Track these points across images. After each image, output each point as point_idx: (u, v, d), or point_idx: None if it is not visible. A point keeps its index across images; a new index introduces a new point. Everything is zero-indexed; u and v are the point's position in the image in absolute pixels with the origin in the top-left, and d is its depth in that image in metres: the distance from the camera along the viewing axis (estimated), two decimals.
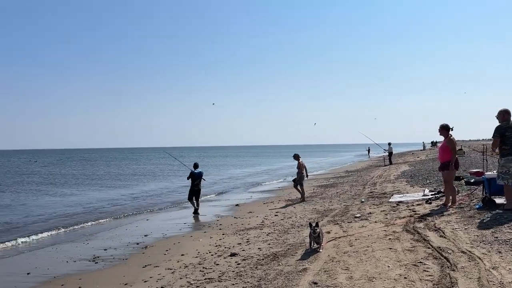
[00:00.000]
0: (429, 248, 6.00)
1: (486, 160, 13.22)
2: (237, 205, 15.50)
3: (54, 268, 7.83)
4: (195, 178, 14.18)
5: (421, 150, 67.90)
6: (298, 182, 14.82)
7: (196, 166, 14.56)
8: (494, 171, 8.21)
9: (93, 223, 13.18)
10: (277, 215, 11.76)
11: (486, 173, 8.10)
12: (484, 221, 7.03)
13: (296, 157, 15.16)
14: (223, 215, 13.14)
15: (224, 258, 7.15)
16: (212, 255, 7.53)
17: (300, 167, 14.86)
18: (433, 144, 77.72)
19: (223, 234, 9.57)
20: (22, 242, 10.59)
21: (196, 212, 13.86)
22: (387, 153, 33.68)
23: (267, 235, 8.80)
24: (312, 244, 6.87)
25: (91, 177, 35.15)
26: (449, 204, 8.85)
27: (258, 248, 7.53)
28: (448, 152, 8.97)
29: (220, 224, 11.21)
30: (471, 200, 9.15)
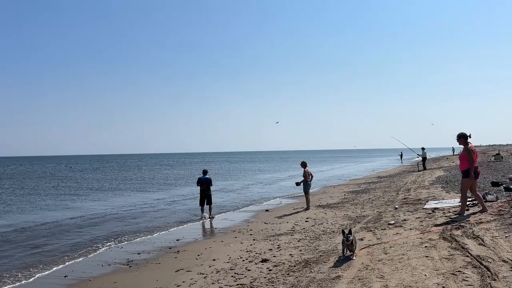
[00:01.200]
0: (468, 256, 5.78)
1: None
2: (266, 210, 15.48)
3: (90, 272, 8.04)
4: (202, 183, 14.59)
5: (451, 155, 65.85)
6: (304, 191, 14.72)
7: (204, 172, 15.04)
8: None
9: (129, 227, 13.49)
10: (307, 221, 11.65)
11: None
12: None
13: (303, 164, 15.02)
14: (253, 221, 13.16)
15: (256, 264, 7.13)
16: (243, 260, 7.53)
17: (306, 175, 14.72)
18: None
19: (253, 240, 9.56)
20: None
21: (203, 218, 14.16)
22: (421, 158, 32.82)
23: (298, 241, 8.73)
24: (345, 251, 6.76)
25: (135, 181, 36.07)
26: (464, 213, 8.96)
27: (290, 254, 7.48)
28: (466, 161, 8.91)
29: (251, 230, 11.22)
30: (511, 207, 8.76)
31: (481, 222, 7.81)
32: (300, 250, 7.75)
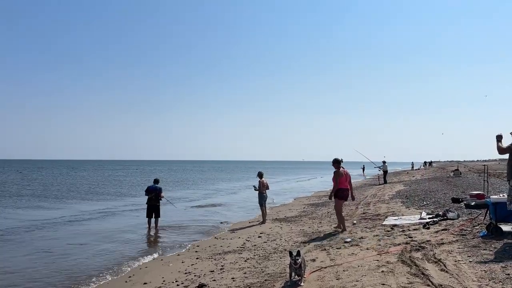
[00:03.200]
0: (429, 286, 5.05)
1: (487, 182, 12.37)
2: (221, 222, 14.48)
3: None
4: (150, 192, 13.36)
5: (410, 169, 67.37)
6: (259, 202, 13.91)
7: (155, 181, 13.81)
8: (501, 195, 7.32)
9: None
10: (260, 237, 10.77)
11: (491, 196, 7.21)
12: (492, 252, 6.11)
13: (260, 175, 14.19)
14: (204, 235, 12.12)
15: None
16: (178, 285, 6.53)
17: (261, 186, 13.92)
18: (425, 164, 77.44)
19: (197, 258, 8.56)
20: None
21: (149, 232, 12.93)
22: (382, 172, 32.81)
23: (245, 261, 7.81)
24: (293, 275, 5.91)
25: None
26: (344, 231, 9.90)
27: (232, 278, 6.53)
28: (334, 183, 10.09)
29: (198, 246, 10.20)
30: (473, 226, 8.23)
31: (443, 243, 7.17)
32: (245, 273, 6.83)
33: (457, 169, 32.95)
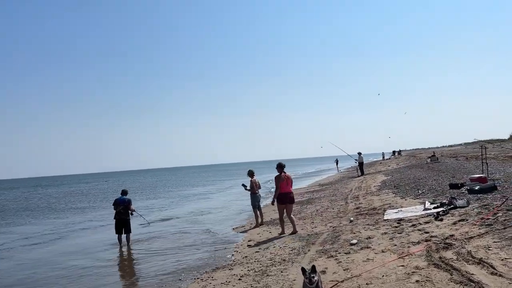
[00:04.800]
0: None
1: (487, 164, 11.56)
2: (205, 231, 13.04)
3: None
4: (118, 205, 11.78)
5: (381, 160, 67.79)
6: (252, 204, 12.65)
7: (123, 193, 12.15)
8: None
9: None
10: (250, 245, 9.46)
11: None
12: None
13: (250, 173, 12.87)
14: (184, 248, 10.65)
15: None
16: None
17: (254, 186, 12.64)
18: (394, 153, 78.43)
19: (179, 280, 7.15)
20: None
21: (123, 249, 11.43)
22: (358, 164, 32.19)
23: (240, 279, 6.47)
24: None
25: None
26: (283, 234, 10.07)
27: None
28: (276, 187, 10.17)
29: (178, 261, 8.76)
30: (495, 214, 7.23)
31: (471, 237, 6.10)
32: None
33: (434, 155, 32.80)
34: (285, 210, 10.18)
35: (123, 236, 11.72)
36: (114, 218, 11.84)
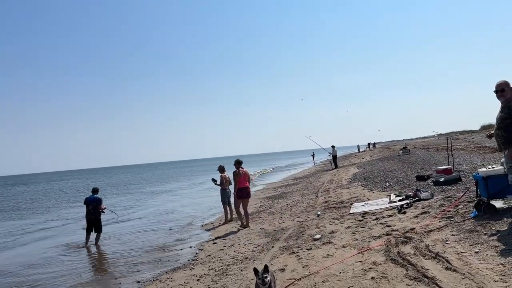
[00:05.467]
0: None
1: (452, 155, 11.64)
2: (170, 229, 12.73)
3: None
4: (88, 204, 11.57)
5: (357, 152, 68.51)
6: (222, 200, 12.48)
7: (94, 191, 11.85)
8: (490, 167, 6.32)
9: None
10: (215, 243, 9.25)
11: (479, 170, 6.19)
12: (497, 237, 5.03)
13: (221, 169, 12.73)
14: (149, 245, 10.34)
15: None
16: None
17: (223, 182, 12.47)
18: (369, 145, 79.51)
19: (138, 282, 6.88)
20: None
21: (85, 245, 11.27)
22: (331, 157, 32.38)
23: (198, 279, 6.26)
24: None
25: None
26: (245, 226, 10.56)
27: None
28: (234, 182, 10.86)
29: (140, 262, 8.47)
30: (456, 206, 7.23)
31: (431, 230, 6.06)
32: None
33: (406, 147, 33.27)
34: (241, 203, 10.75)
35: (94, 234, 11.45)
36: (85, 217, 11.57)
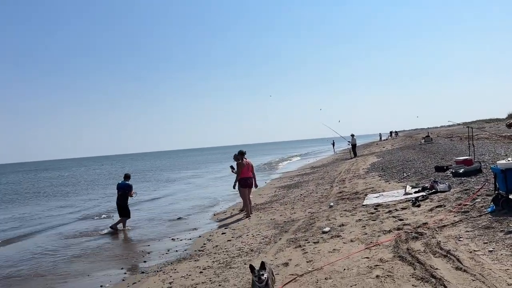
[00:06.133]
0: None
1: (473, 146, 11.13)
2: (179, 218, 12.68)
3: None
4: (118, 190, 11.89)
5: (378, 140, 67.09)
6: (239, 188, 12.14)
7: (125, 177, 12.09)
8: (509, 159, 5.92)
9: None
10: (224, 233, 9.11)
11: (498, 162, 5.80)
12: None
13: (238, 156, 12.27)
14: (158, 231, 10.32)
15: None
16: None
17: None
18: (391, 133, 77.67)
19: (142, 273, 6.80)
20: None
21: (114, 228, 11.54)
22: (351, 145, 31.80)
23: (201, 272, 6.13)
24: None
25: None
26: (250, 215, 10.75)
27: None
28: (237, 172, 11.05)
29: (148, 253, 8.42)
30: (474, 200, 6.85)
31: (444, 226, 5.73)
32: None
33: (428, 136, 32.38)
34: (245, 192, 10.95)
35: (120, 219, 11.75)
36: (116, 202, 11.91)
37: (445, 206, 6.98)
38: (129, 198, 11.88)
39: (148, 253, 8.45)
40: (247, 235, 8.40)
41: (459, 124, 31.59)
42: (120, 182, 12.06)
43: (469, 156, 10.76)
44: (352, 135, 32.35)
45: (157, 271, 6.71)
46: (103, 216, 14.77)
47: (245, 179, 10.96)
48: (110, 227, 11.60)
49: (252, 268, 4.20)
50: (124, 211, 11.73)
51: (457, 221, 5.80)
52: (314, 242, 6.50)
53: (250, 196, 11.55)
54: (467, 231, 5.25)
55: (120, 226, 11.63)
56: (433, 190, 8.46)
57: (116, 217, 12.35)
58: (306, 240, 6.77)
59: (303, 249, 6.23)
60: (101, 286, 6.42)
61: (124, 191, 11.74)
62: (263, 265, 4.19)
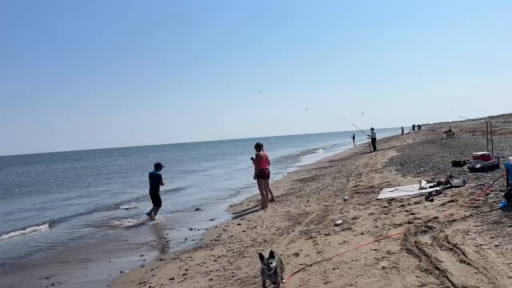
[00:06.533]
0: None
1: (491, 140, 11.01)
2: (197, 209, 12.99)
3: None
4: (149, 178, 12.22)
5: (400, 134, 66.01)
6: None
7: (156, 166, 12.45)
8: None
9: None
10: (240, 224, 9.36)
11: (510, 158, 5.82)
12: None
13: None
14: (177, 221, 10.66)
15: None
16: None
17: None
18: (414, 127, 76.21)
19: (160, 260, 7.11)
20: None
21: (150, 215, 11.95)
22: (370, 139, 31.57)
23: (215, 260, 6.38)
24: (267, 283, 4.51)
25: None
26: (265, 207, 10.97)
27: None
28: (255, 165, 11.41)
29: (167, 242, 8.75)
30: (487, 195, 6.86)
31: (454, 220, 5.81)
32: (211, 279, 5.41)
33: (450, 130, 31.83)
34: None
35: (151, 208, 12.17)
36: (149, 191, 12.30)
37: (457, 201, 7.02)
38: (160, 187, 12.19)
39: (167, 241, 8.79)
40: (262, 226, 8.62)
41: (471, 120, 30.88)
42: (151, 171, 12.38)
43: (487, 151, 10.65)
44: (372, 129, 32.08)
45: (174, 259, 7.01)
46: (126, 206, 15.24)
47: (263, 170, 11.31)
48: (146, 213, 12.04)
49: (261, 256, 4.41)
50: (155, 199, 12.08)
51: (468, 216, 5.86)
52: (325, 234, 6.66)
53: (269, 187, 11.85)
54: (476, 226, 5.32)
55: (153, 214, 12.01)
56: (448, 185, 8.47)
57: (144, 206, 12.74)
58: (318, 232, 6.93)
59: (314, 240, 6.40)
60: (121, 271, 6.76)
61: (156, 180, 12.07)
62: (272, 254, 4.39)
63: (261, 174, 11.27)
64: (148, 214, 11.99)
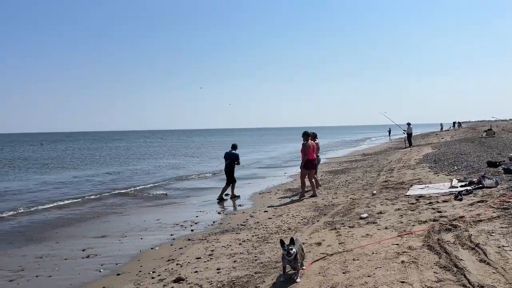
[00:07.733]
0: (464, 287, 3.75)
1: None
2: (227, 194, 13.31)
3: None
4: (225, 158, 12.99)
5: (439, 131, 63.89)
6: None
7: (233, 147, 13.21)
8: None
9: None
10: (267, 211, 9.59)
11: None
12: None
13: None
14: (206, 205, 11.04)
15: (164, 286, 5.05)
16: (152, 277, 5.44)
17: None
18: (454, 124, 73.54)
19: (188, 240, 7.46)
20: None
21: (221, 198, 12.44)
22: (406, 134, 30.90)
23: (240, 244, 6.65)
24: (287, 268, 4.71)
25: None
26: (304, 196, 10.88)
27: (217, 269, 5.38)
28: (302, 155, 11.00)
29: (196, 224, 9.11)
30: None
31: (480, 220, 5.78)
32: (235, 261, 5.68)
33: (490, 129, 30.67)
34: (307, 175, 11.05)
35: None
36: (223, 170, 13.06)
37: (487, 201, 6.94)
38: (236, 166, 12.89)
39: (196, 223, 9.15)
40: (287, 215, 8.81)
41: (501, 120, 29.51)
42: (227, 151, 13.08)
43: None
44: (408, 124, 31.37)
45: (202, 240, 7.34)
46: (160, 189, 15.85)
47: (310, 161, 10.96)
48: (225, 194, 12.66)
49: (282, 242, 4.61)
50: (231, 177, 12.69)
51: (495, 217, 5.81)
52: (349, 226, 6.77)
53: (316, 175, 11.89)
54: (501, 227, 5.29)
55: (228, 191, 12.76)
56: (480, 185, 8.33)
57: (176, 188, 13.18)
58: (342, 223, 7.05)
59: (338, 232, 6.52)
60: (151, 248, 7.16)
61: (232, 159, 12.74)
62: (292, 241, 4.57)
63: (307, 165, 10.92)
64: (228, 193, 12.68)
